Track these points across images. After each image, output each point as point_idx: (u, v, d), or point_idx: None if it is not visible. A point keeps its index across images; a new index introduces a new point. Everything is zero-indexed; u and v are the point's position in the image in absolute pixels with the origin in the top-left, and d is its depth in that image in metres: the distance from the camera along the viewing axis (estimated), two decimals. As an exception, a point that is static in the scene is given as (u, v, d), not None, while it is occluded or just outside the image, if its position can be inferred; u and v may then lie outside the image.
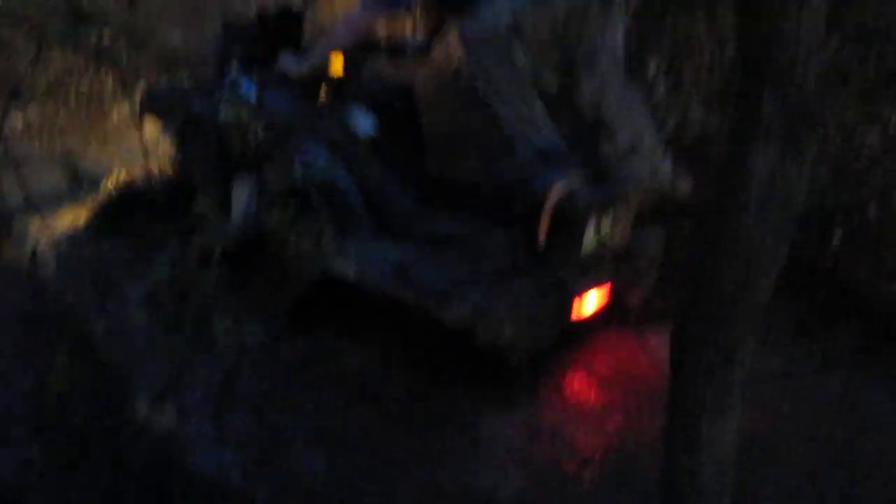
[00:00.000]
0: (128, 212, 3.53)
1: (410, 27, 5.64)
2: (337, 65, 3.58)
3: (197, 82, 3.82)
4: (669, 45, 4.92)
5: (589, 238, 2.94)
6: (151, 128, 4.02)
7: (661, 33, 4.71)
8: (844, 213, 3.92)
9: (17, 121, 5.42)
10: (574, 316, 2.98)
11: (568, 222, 2.89)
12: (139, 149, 2.29)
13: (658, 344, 3.07)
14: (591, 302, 3.00)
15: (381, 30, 3.94)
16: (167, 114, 3.45)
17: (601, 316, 3.12)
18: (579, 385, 3.12)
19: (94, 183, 3.57)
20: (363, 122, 3.52)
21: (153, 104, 3.59)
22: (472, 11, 3.20)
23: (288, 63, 3.57)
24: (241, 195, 3.32)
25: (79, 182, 1.92)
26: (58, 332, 2.59)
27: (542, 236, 2.90)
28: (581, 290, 2.94)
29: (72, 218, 3.59)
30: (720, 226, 1.76)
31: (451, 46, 5.83)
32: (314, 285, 2.95)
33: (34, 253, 1.94)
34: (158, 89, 3.87)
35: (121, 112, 5.64)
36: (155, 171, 3.46)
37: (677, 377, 1.89)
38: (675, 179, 3.40)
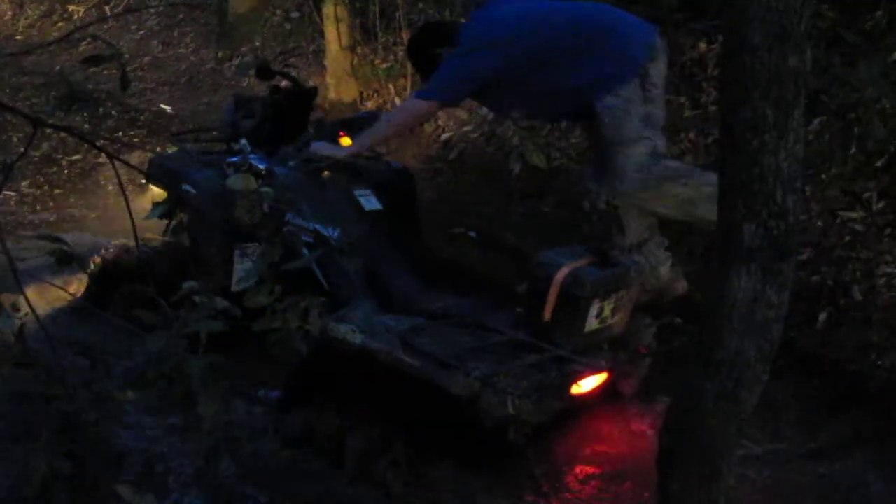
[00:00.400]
0: (118, 285, 3.54)
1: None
2: (344, 141, 3.64)
3: (204, 152, 3.84)
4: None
5: (592, 319, 2.98)
6: (142, 200, 4.05)
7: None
8: (829, 292, 3.96)
9: (10, 194, 5.46)
10: (573, 394, 2.99)
11: (573, 300, 2.93)
12: (130, 221, 2.30)
13: (649, 428, 3.07)
14: (589, 383, 3.02)
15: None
16: (172, 182, 3.48)
17: (597, 399, 3.12)
18: (575, 466, 3.09)
19: (86, 256, 3.58)
20: (368, 197, 3.57)
21: (159, 172, 3.64)
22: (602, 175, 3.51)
23: (326, 149, 3.56)
24: (243, 267, 3.35)
25: (70, 255, 1.93)
26: (43, 410, 2.57)
27: (547, 312, 2.94)
28: (581, 369, 2.96)
29: (62, 291, 3.59)
30: (706, 343, 1.84)
31: (440, 120, 5.98)
32: (312, 359, 2.96)
33: (22, 328, 1.94)
34: (164, 157, 3.90)
35: (113, 184, 5.69)
36: (146, 243, 3.48)
37: (664, 496, 1.94)
38: (673, 280, 3.62)
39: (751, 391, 1.84)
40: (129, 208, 2.06)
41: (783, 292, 1.79)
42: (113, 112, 7.10)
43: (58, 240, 1.96)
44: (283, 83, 3.93)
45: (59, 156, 6.36)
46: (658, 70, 3.52)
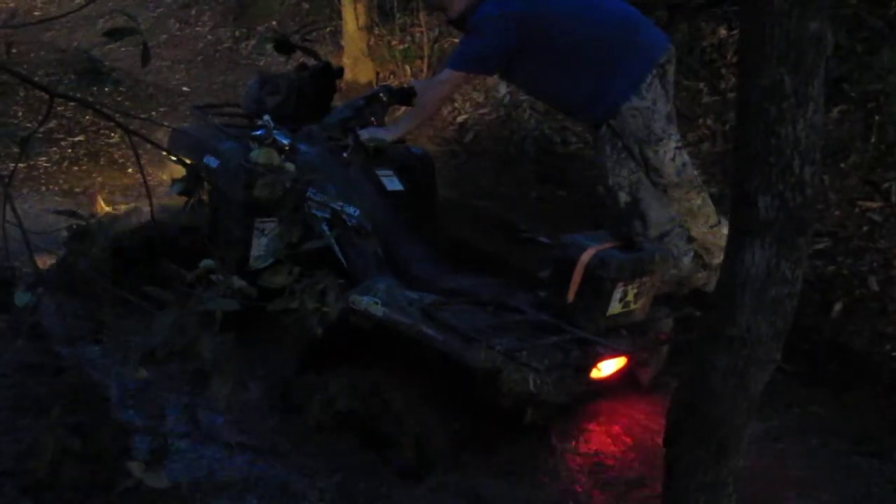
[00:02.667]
0: (132, 261, 3.54)
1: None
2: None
3: (227, 126, 3.84)
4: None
5: (615, 302, 2.97)
6: (160, 175, 4.04)
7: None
8: (845, 282, 3.94)
9: (24, 168, 5.47)
10: (593, 377, 2.98)
11: (598, 282, 2.91)
12: (146, 196, 2.31)
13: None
14: (609, 366, 3.01)
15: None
16: (194, 152, 3.45)
17: (614, 384, 3.11)
18: (590, 451, 3.08)
19: (100, 230, 3.58)
20: (390, 178, 3.57)
21: (181, 142, 3.62)
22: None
23: (376, 133, 3.58)
24: (261, 243, 3.35)
25: (85, 228, 1.93)
26: (54, 384, 2.59)
27: (571, 294, 2.93)
28: (602, 351, 2.95)
29: (75, 266, 3.59)
30: (718, 318, 1.80)
31: (456, 102, 5.95)
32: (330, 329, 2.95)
33: (36, 303, 1.94)
34: (187, 127, 3.89)
35: (127, 159, 5.70)
36: (161, 218, 3.47)
37: (671, 473, 1.91)
38: (694, 271, 3.73)
39: (762, 369, 1.79)
40: (147, 184, 2.05)
41: (798, 268, 1.72)
42: (122, 88, 7.09)
43: (73, 214, 1.95)
44: (302, 59, 3.90)
45: (73, 132, 6.36)
46: (673, 67, 3.67)
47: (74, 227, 2.00)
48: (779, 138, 1.64)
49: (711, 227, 3.76)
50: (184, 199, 2.05)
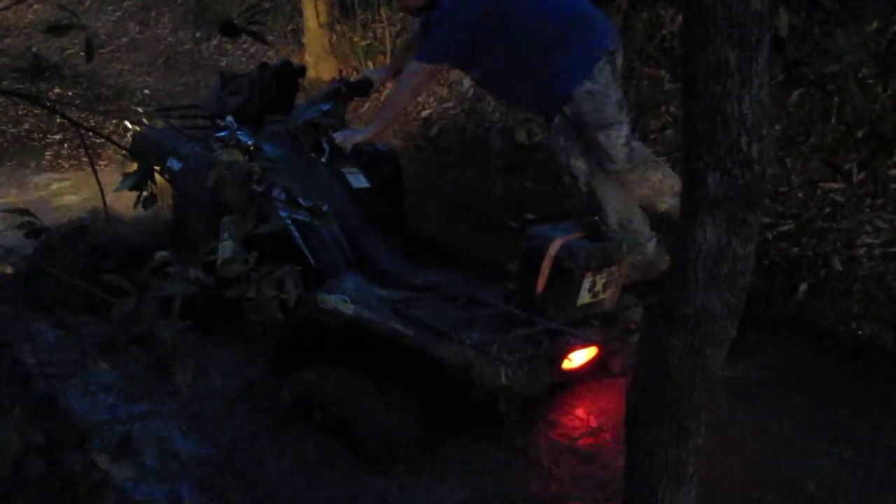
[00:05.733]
0: (89, 260, 3.50)
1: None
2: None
3: (190, 128, 3.82)
4: (636, 100, 5.01)
5: (584, 292, 2.98)
6: (110, 175, 4.00)
7: (628, 89, 4.78)
8: (809, 263, 3.97)
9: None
10: (564, 368, 2.98)
11: (566, 273, 2.91)
12: (99, 196, 2.28)
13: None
14: (580, 357, 3.02)
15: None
16: (157, 155, 3.48)
17: (586, 374, 3.11)
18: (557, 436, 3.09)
19: (56, 231, 3.54)
20: (356, 175, 3.58)
21: (144, 145, 3.61)
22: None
23: (353, 137, 3.64)
24: (229, 240, 3.34)
25: (39, 228, 1.90)
26: (16, 386, 2.55)
27: (540, 285, 2.93)
28: (573, 342, 2.96)
29: (30, 266, 3.55)
30: (672, 298, 1.80)
31: (420, 97, 5.93)
32: (301, 329, 2.97)
33: (-6, 305, 1.90)
34: (150, 131, 3.86)
35: (81, 160, 5.63)
36: (115, 217, 3.43)
37: (632, 455, 1.91)
38: (660, 255, 3.77)
39: (718, 347, 1.79)
40: (98, 180, 2.01)
41: (749, 244, 1.73)
42: (80, 91, 7.02)
43: (26, 212, 1.92)
44: (264, 59, 3.90)
45: (26, 135, 6.29)
46: (621, 58, 3.76)
47: (27, 225, 1.96)
48: (725, 116, 1.65)
49: (677, 194, 3.80)
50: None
